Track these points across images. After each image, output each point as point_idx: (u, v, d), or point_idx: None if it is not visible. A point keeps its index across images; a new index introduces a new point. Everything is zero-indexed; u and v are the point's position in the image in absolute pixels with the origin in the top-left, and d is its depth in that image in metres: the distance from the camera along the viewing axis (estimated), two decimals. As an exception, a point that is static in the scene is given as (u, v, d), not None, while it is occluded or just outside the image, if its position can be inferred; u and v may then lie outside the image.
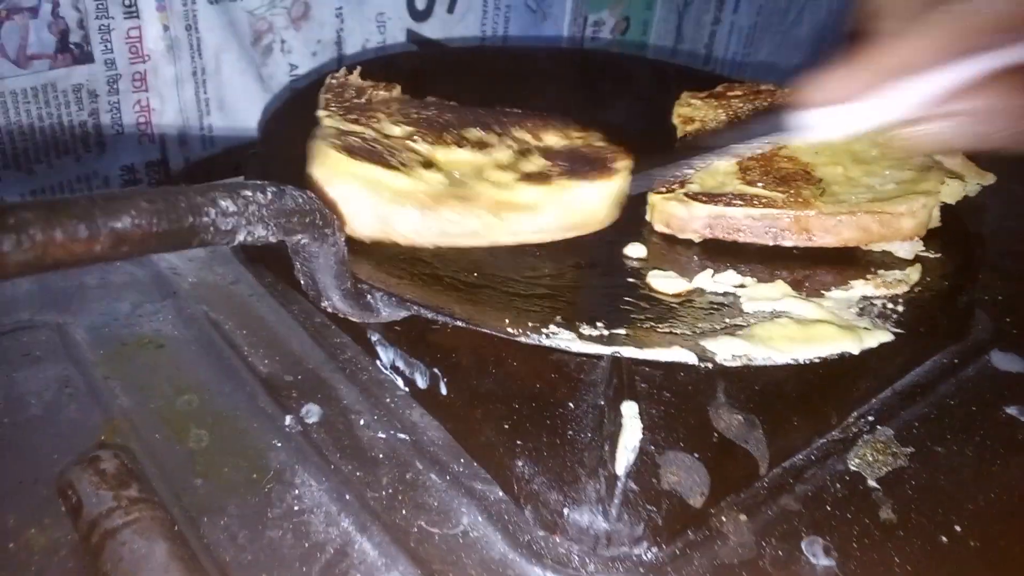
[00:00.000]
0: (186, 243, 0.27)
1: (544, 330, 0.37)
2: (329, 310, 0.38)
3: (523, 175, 0.44)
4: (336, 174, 0.41)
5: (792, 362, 0.37)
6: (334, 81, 0.52)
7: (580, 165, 0.45)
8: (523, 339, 0.37)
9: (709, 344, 0.37)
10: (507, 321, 0.38)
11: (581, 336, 0.37)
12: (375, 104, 0.50)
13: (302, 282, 0.37)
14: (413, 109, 0.51)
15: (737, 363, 0.37)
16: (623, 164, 0.46)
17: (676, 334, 0.39)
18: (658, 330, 0.39)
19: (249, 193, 0.30)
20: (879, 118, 0.39)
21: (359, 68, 0.54)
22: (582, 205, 0.44)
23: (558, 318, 0.38)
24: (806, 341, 0.38)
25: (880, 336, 0.38)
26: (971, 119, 0.37)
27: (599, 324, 0.39)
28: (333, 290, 0.36)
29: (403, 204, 0.41)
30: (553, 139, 0.50)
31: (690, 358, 0.36)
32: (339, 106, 0.48)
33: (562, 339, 0.37)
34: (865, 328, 0.39)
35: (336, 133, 0.44)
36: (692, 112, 0.59)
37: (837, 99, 0.39)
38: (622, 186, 0.46)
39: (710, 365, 0.36)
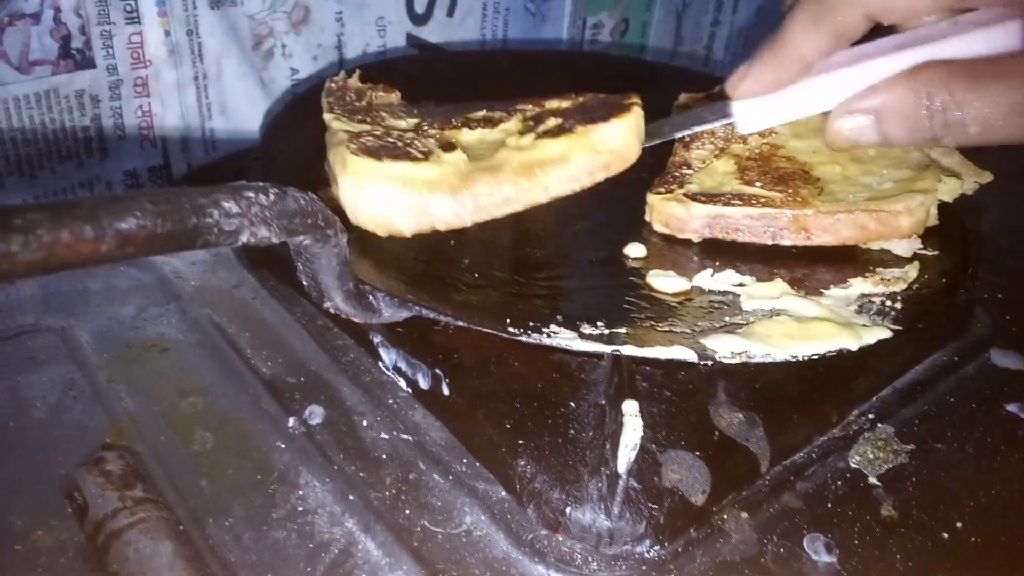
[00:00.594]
0: (190, 244, 0.28)
1: (545, 329, 0.38)
2: (332, 311, 0.38)
3: (542, 133, 0.44)
4: (366, 178, 0.41)
5: (791, 359, 0.37)
6: (333, 85, 0.53)
7: (595, 112, 0.46)
8: (524, 339, 0.37)
9: (709, 342, 0.38)
10: (508, 321, 0.38)
11: (582, 335, 0.38)
12: (376, 106, 0.51)
13: (305, 283, 0.37)
14: (414, 108, 0.52)
15: (736, 360, 0.37)
16: (635, 99, 0.47)
17: (676, 332, 0.39)
18: (658, 328, 0.39)
19: (252, 195, 0.30)
20: (796, 110, 0.42)
21: (358, 71, 0.54)
22: (608, 144, 0.44)
23: (559, 317, 0.39)
24: (805, 338, 0.38)
25: (878, 333, 0.39)
26: (874, 116, 0.38)
27: (599, 323, 0.39)
28: (335, 291, 0.37)
29: (435, 191, 0.41)
30: (556, 102, 0.50)
31: (690, 356, 0.37)
32: (343, 109, 0.49)
33: (563, 338, 0.37)
34: (863, 325, 0.39)
35: (350, 136, 0.44)
36: (690, 113, 0.59)
37: (755, 92, 0.41)
38: (640, 119, 0.46)
39: (710, 363, 0.37)
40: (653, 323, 0.40)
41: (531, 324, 0.38)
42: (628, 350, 0.37)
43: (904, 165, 0.50)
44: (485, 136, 0.47)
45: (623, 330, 0.39)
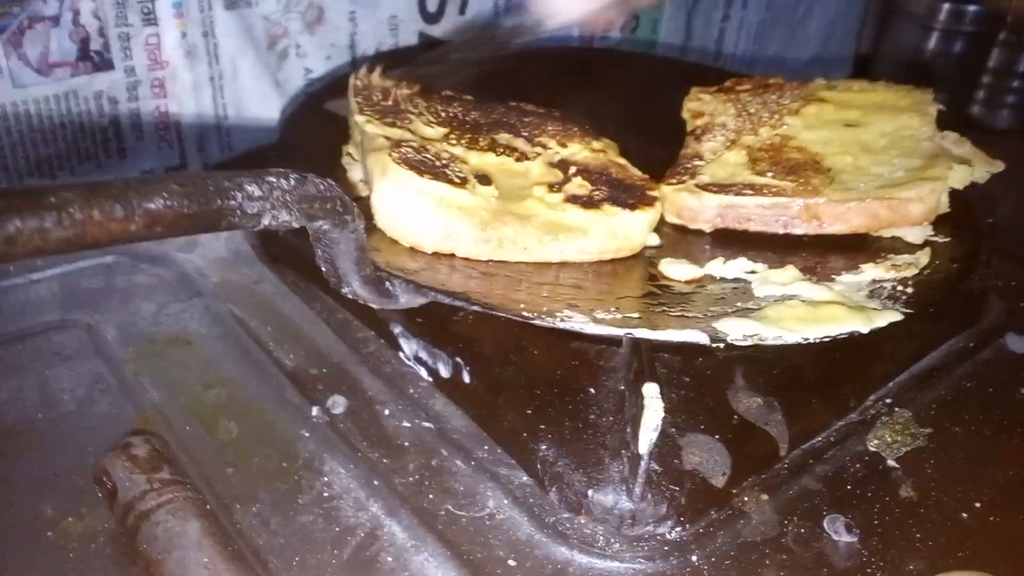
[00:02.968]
0: (215, 225, 0.28)
1: (558, 313, 0.38)
2: (349, 296, 0.39)
3: (569, 196, 0.46)
4: (404, 188, 0.42)
5: (802, 341, 0.38)
6: (359, 83, 0.53)
7: (621, 192, 0.48)
8: (538, 322, 0.38)
9: (720, 325, 0.38)
10: (522, 306, 0.38)
11: (595, 319, 0.38)
12: (401, 104, 0.52)
13: (323, 269, 0.37)
14: (439, 106, 0.53)
15: (748, 343, 0.37)
16: (658, 193, 0.49)
17: (688, 317, 0.39)
18: (671, 314, 0.40)
19: (273, 179, 0.31)
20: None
21: (380, 67, 0.55)
22: (627, 231, 0.46)
23: (572, 302, 0.39)
24: (816, 321, 0.38)
25: (889, 316, 0.39)
26: None
27: (612, 309, 0.39)
28: (353, 276, 0.37)
29: (467, 219, 0.43)
30: (576, 147, 0.52)
31: (702, 339, 0.37)
32: (372, 110, 0.50)
33: (576, 322, 0.38)
34: (874, 309, 0.40)
35: (389, 143, 0.45)
36: (701, 107, 0.60)
37: None
38: (659, 212, 0.48)
39: (722, 345, 0.37)
40: (665, 308, 0.41)
41: (544, 308, 0.38)
42: (641, 333, 0.37)
43: (915, 154, 0.51)
44: (509, 166, 0.48)
45: (636, 315, 0.39)
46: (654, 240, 0.48)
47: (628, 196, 0.47)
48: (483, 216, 0.43)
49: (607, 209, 0.45)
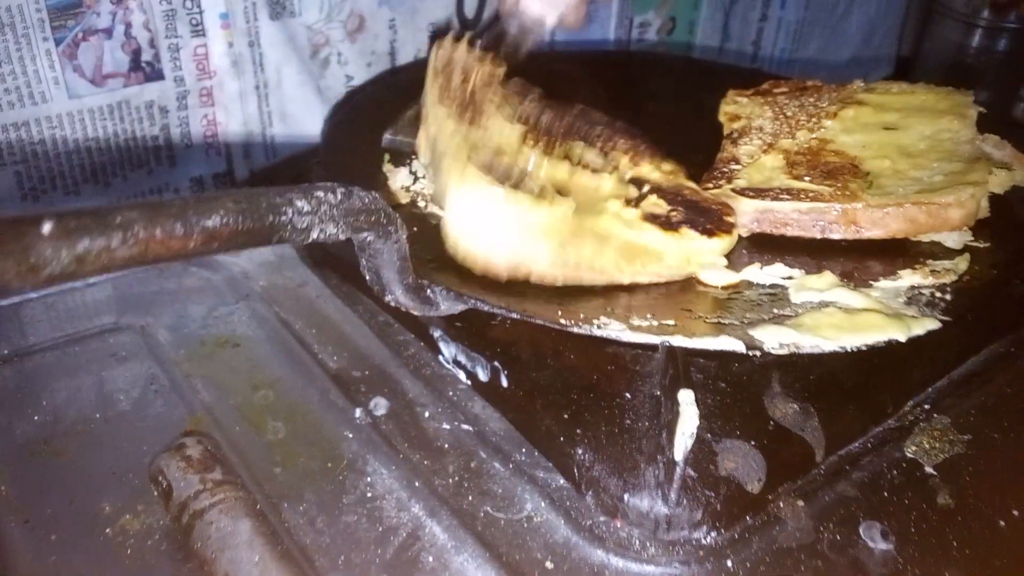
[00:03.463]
0: (267, 240, 0.30)
1: (595, 321, 0.39)
2: (392, 303, 0.40)
3: (647, 215, 0.45)
4: (482, 199, 0.42)
5: (840, 350, 0.38)
6: (443, 52, 0.52)
7: (699, 215, 0.46)
8: (575, 329, 0.38)
9: (757, 333, 0.38)
10: (560, 313, 0.39)
11: (631, 327, 0.39)
12: (480, 94, 0.51)
13: (367, 277, 0.39)
14: (516, 99, 0.52)
15: (784, 351, 0.38)
16: (733, 220, 0.48)
17: (724, 324, 0.40)
18: (707, 321, 0.40)
19: (321, 194, 0.32)
20: None
21: (468, 35, 0.55)
22: (703, 258, 0.45)
23: (609, 309, 0.40)
24: (853, 329, 0.39)
25: (927, 324, 0.39)
26: None
27: (649, 316, 0.40)
28: (396, 284, 0.38)
29: (545, 237, 0.42)
30: (647, 169, 0.50)
31: (738, 347, 0.37)
32: (450, 99, 0.49)
33: (613, 329, 0.38)
34: (912, 316, 0.40)
35: (468, 145, 0.45)
36: (738, 110, 0.59)
37: None
38: (733, 242, 0.47)
39: (758, 353, 0.37)
40: (702, 315, 0.41)
41: (582, 316, 0.39)
42: (677, 341, 0.38)
43: (955, 158, 0.50)
44: (582, 179, 0.48)
45: (672, 322, 0.40)
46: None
47: (706, 220, 0.46)
48: (562, 234, 0.42)
49: (685, 232, 0.44)
